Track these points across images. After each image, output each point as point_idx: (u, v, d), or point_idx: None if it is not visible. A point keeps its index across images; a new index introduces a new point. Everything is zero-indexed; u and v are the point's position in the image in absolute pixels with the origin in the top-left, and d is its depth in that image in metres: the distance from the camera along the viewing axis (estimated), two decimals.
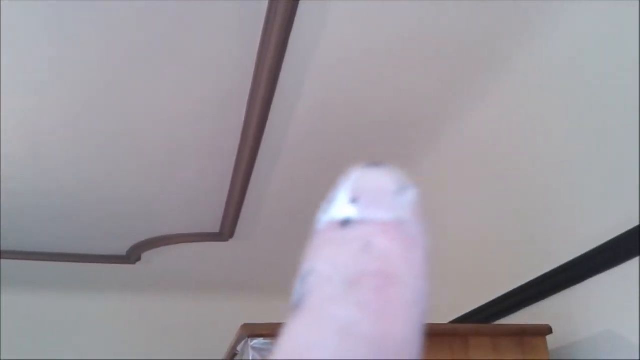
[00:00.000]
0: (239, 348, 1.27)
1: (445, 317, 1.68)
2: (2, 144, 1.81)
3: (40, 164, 1.94)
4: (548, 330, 1.27)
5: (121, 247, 2.60)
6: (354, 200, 0.24)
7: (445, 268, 1.82)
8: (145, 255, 2.67)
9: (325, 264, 0.23)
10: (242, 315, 3.14)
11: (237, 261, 2.84)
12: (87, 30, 1.40)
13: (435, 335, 1.20)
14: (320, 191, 1.84)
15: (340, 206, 0.25)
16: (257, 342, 1.18)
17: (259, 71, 1.59)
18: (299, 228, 2.51)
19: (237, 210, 2.33)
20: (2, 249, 2.51)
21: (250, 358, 1.17)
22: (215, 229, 2.50)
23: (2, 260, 2.60)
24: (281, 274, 3.07)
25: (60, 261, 2.70)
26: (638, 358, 1.11)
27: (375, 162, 0.26)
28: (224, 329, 3.19)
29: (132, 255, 2.64)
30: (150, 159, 1.97)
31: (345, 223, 0.24)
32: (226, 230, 2.49)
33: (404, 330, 0.21)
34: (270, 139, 1.88)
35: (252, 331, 1.18)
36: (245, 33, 1.45)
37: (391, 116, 1.80)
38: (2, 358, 2.87)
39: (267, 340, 1.17)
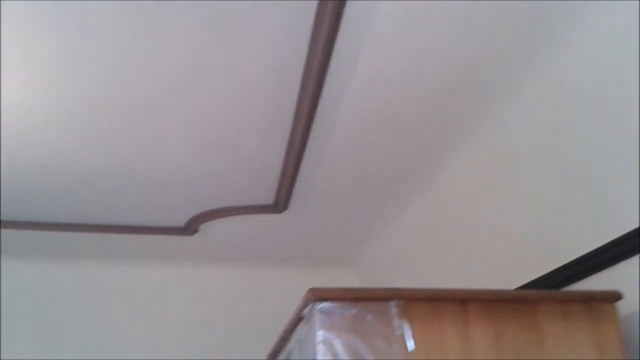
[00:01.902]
0: (305, 312, 1.29)
1: (513, 283, 1.67)
2: (67, 120, 1.88)
3: (100, 138, 2.01)
4: (618, 296, 1.25)
5: (180, 219, 2.68)
6: None
7: (513, 234, 1.79)
8: (203, 227, 2.75)
9: None
10: (297, 286, 3.21)
11: (290, 233, 2.88)
12: None
13: (502, 301, 1.20)
14: (375, 162, 1.86)
15: None
16: (325, 305, 1.19)
17: (315, 41, 1.59)
18: (353, 200, 2.52)
19: (291, 182, 2.36)
20: (81, 222, 2.64)
21: (318, 321, 1.19)
22: (270, 201, 2.54)
23: (85, 234, 2.73)
24: (334, 246, 3.10)
25: (121, 233, 2.80)
26: None
27: None
28: (279, 299, 3.26)
29: (190, 227, 2.71)
30: (206, 132, 2.01)
31: None
32: (280, 202, 2.53)
33: None
34: (325, 110, 1.88)
35: (319, 295, 1.20)
36: (300, 3, 1.45)
37: (447, 86, 1.78)
38: (74, 327, 3.02)
39: (335, 304, 1.19)
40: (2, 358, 2.88)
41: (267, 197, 2.52)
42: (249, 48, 1.61)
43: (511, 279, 1.67)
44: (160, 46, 1.58)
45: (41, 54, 1.59)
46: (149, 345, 3.06)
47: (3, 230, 2.71)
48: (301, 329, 1.36)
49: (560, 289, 1.49)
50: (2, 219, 2.60)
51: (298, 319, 1.36)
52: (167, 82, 1.73)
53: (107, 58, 1.62)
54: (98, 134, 1.99)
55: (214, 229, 2.79)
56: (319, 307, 1.20)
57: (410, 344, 1.16)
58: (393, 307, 1.19)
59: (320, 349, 1.17)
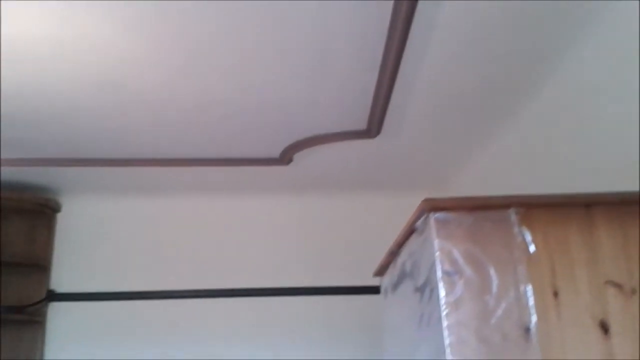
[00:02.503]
0: (418, 224, 1.30)
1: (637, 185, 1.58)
2: (165, 57, 1.94)
3: (198, 74, 2.06)
4: None
5: (274, 150, 2.75)
6: None
7: (631, 133, 1.68)
8: (297, 156, 2.80)
9: None
10: (391, 211, 3.24)
11: (384, 158, 2.88)
12: None
13: (629, 203, 1.15)
14: (473, 78, 1.78)
15: None
16: (440, 215, 1.20)
17: None
18: (448, 120, 2.47)
19: (384, 105, 2.33)
20: (179, 157, 2.78)
21: (434, 231, 1.20)
22: (363, 126, 2.53)
23: (183, 168, 2.89)
24: (429, 169, 3.08)
25: (218, 166, 2.92)
26: None
27: None
28: (375, 223, 3.32)
29: (285, 157, 2.78)
30: (298, 60, 2.01)
31: None
32: (373, 127, 2.52)
33: None
34: (418, 32, 1.82)
35: (434, 205, 1.20)
36: None
37: None
38: (174, 257, 3.24)
39: (451, 213, 1.19)
40: (113, 288, 3.16)
41: (360, 122, 2.51)
42: None
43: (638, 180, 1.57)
44: None
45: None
46: (245, 274, 3.23)
47: (111, 169, 2.90)
48: (414, 241, 1.37)
49: None
50: (113, 157, 2.78)
51: (410, 232, 1.38)
52: (255, 16, 1.73)
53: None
54: (197, 70, 2.04)
55: (308, 158, 2.84)
56: (435, 216, 1.20)
57: (532, 249, 1.15)
58: (512, 215, 1.17)
59: (439, 258, 1.18)
